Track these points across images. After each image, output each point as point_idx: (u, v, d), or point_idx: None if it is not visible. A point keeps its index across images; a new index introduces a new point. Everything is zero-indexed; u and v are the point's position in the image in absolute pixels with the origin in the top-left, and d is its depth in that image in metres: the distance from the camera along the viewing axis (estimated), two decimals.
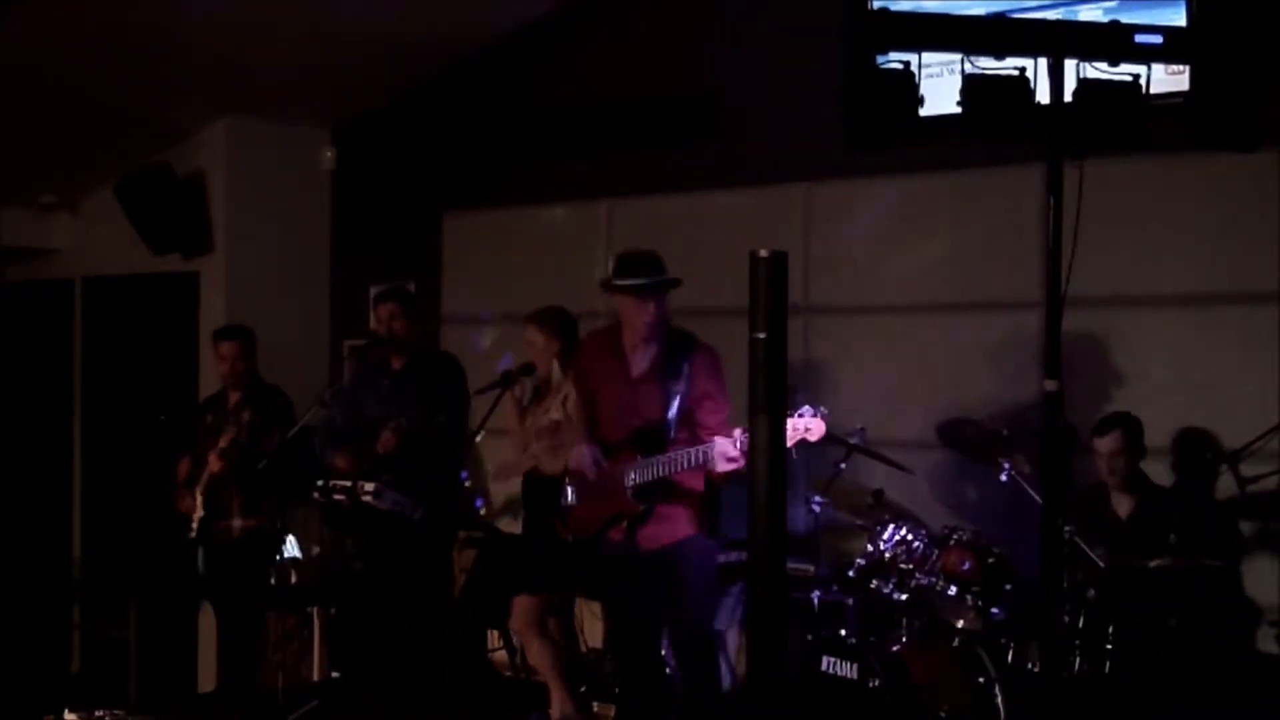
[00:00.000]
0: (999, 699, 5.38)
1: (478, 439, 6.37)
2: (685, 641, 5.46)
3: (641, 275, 5.37)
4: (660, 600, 5.38)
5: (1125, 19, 4.86)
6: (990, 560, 5.57)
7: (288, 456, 6.56)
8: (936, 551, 5.65)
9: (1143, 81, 4.26)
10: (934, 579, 5.59)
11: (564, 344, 6.28)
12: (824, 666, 5.51)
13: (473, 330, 8.03)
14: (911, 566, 5.65)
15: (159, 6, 6.92)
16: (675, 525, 5.33)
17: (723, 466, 5.08)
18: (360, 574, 6.53)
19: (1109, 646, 5.22)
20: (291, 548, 6.88)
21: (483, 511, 6.94)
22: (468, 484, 6.60)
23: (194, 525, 6.87)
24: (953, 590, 5.54)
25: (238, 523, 6.86)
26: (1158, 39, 4.27)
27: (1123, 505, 5.67)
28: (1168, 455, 5.93)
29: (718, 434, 5.12)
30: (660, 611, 5.41)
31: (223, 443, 6.78)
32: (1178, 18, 5.66)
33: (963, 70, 4.26)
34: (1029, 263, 6.03)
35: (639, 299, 5.35)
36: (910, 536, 5.73)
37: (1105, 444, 5.62)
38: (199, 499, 6.83)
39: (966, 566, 5.57)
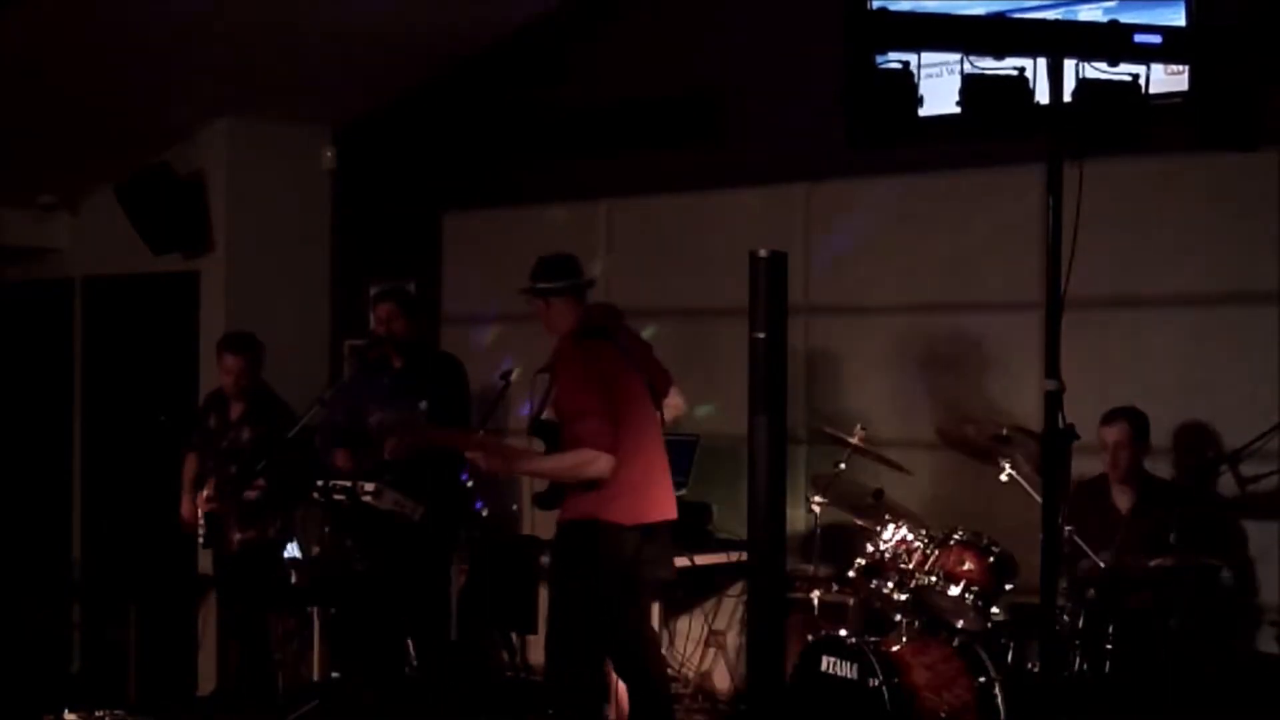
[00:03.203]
0: (999, 699, 5.38)
1: None
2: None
3: None
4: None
5: (1125, 19, 4.86)
6: (990, 560, 5.58)
7: (284, 463, 6.57)
8: (936, 551, 5.64)
9: (1142, 81, 4.25)
10: (934, 579, 5.58)
11: None
12: (824, 666, 5.51)
13: (473, 329, 8.03)
14: (911, 566, 5.65)
15: (160, 6, 6.92)
16: (568, 505, 5.47)
17: None
18: (360, 574, 6.53)
19: (1109, 646, 5.22)
20: (291, 549, 6.88)
21: (484, 514, 6.92)
22: (469, 484, 6.58)
23: (201, 534, 6.89)
24: (953, 590, 5.54)
25: (236, 535, 6.88)
26: (1157, 39, 4.26)
27: (1124, 500, 5.68)
28: (1169, 454, 5.92)
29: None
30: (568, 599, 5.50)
31: (208, 491, 6.83)
32: (1177, 18, 5.66)
33: (962, 70, 4.25)
34: (1029, 263, 6.03)
35: None
36: (910, 536, 5.73)
37: (1111, 434, 5.62)
38: (200, 515, 6.84)
39: (967, 566, 5.57)
